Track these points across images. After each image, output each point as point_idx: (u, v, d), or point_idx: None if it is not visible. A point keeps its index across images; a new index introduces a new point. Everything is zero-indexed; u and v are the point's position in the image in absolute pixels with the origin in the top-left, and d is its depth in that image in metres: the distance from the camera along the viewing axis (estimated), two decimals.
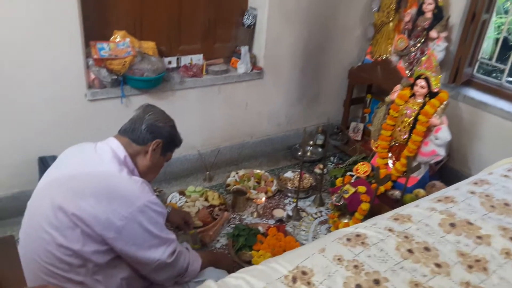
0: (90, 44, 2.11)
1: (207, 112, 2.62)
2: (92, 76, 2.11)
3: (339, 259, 1.09)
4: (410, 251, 1.18)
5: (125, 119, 1.56)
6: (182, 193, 2.42)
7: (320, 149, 3.07)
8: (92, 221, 1.24)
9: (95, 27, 2.14)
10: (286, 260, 1.09)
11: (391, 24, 2.73)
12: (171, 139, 1.57)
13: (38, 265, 1.26)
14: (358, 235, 1.21)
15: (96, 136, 1.97)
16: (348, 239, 1.19)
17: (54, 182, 1.34)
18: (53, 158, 2.06)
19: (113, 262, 1.31)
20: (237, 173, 2.70)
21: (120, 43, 2.16)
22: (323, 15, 2.80)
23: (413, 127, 2.16)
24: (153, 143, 1.49)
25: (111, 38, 2.18)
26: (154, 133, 1.49)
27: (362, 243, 1.18)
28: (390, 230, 1.26)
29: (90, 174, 1.32)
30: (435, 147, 2.16)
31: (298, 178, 2.61)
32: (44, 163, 2.04)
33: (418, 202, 1.51)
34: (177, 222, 1.95)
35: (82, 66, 2.06)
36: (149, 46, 2.29)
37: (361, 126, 3.14)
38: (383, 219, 1.34)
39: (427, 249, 1.20)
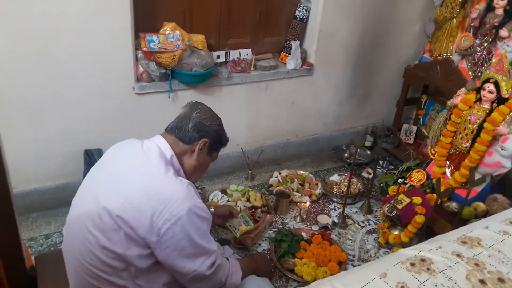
0: (140, 36, 2.07)
1: (253, 108, 2.54)
2: (141, 69, 2.08)
3: (402, 287, 0.98)
4: (482, 281, 1.04)
5: (172, 114, 1.51)
6: (224, 191, 2.36)
7: (368, 152, 2.92)
8: (135, 224, 1.19)
9: (145, 18, 2.10)
10: (344, 283, 0.99)
11: (454, 20, 2.52)
12: (218, 139, 1.50)
13: (81, 265, 1.23)
14: (422, 260, 1.09)
15: (142, 130, 1.95)
16: (412, 264, 1.07)
17: (100, 182, 1.30)
18: (99, 151, 2.07)
19: (154, 266, 1.27)
20: (280, 173, 2.61)
21: (170, 36, 2.12)
22: (381, 9, 2.64)
23: (476, 135, 1.97)
24: (200, 142, 1.43)
25: (161, 30, 2.14)
26: (201, 132, 1.43)
27: (428, 269, 1.05)
28: (458, 255, 1.12)
29: (136, 175, 1.28)
30: (500, 158, 1.96)
31: (344, 183, 2.48)
32: (90, 156, 2.04)
33: (487, 222, 1.35)
34: (223, 214, 2.00)
35: (131, 59, 2.03)
36: (198, 39, 2.23)
37: (414, 128, 2.95)
38: (449, 241, 1.20)
39: (501, 280, 1.06)
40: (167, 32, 2.13)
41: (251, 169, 2.60)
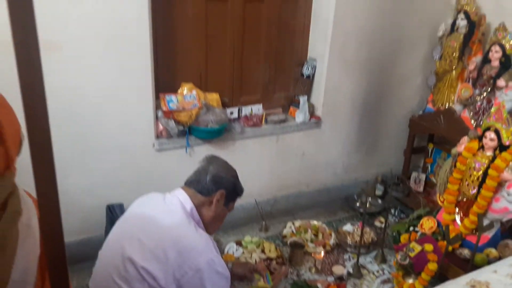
0: (160, 96, 2.24)
1: (265, 160, 2.65)
2: (161, 127, 2.23)
3: None
4: None
5: (189, 168, 1.62)
6: (239, 243, 2.41)
7: (379, 201, 2.97)
8: (158, 275, 1.26)
9: (164, 80, 2.29)
10: None
11: (454, 72, 2.67)
12: (234, 189, 1.60)
13: None
14: None
15: (162, 184, 2.06)
16: None
17: (125, 233, 1.39)
18: (120, 206, 2.17)
19: None
20: (293, 223, 2.65)
21: (187, 96, 2.28)
22: (383, 64, 2.81)
23: (482, 181, 2.03)
24: (217, 193, 1.52)
25: (179, 91, 2.31)
26: (218, 184, 1.53)
27: None
28: None
29: (159, 227, 1.37)
30: (507, 204, 2.00)
31: (358, 232, 2.52)
32: (112, 211, 2.14)
33: (496, 266, 1.39)
34: (243, 273, 1.97)
35: (152, 118, 2.18)
36: (213, 97, 2.40)
37: (422, 176, 3.01)
38: (459, 286, 1.24)
39: None
40: (184, 92, 2.31)
41: (265, 220, 2.66)
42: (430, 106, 2.85)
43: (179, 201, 1.47)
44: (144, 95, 2.13)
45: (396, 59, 2.84)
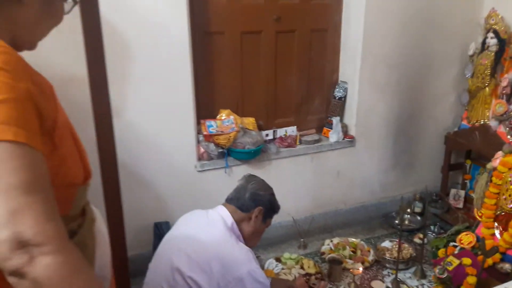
0: (201, 122, 2.43)
1: (301, 179, 2.75)
2: (202, 150, 2.40)
3: None
4: None
5: (228, 187, 1.76)
6: (278, 259, 2.50)
7: (418, 218, 2.96)
8: (204, 285, 1.39)
9: (204, 107, 2.47)
10: None
11: (487, 89, 2.68)
12: (271, 206, 1.72)
13: None
14: None
15: (203, 202, 2.20)
16: None
17: (173, 246, 1.54)
18: (167, 224, 2.33)
19: None
20: (331, 241, 2.71)
21: (225, 120, 2.45)
22: (414, 85, 2.86)
23: None
24: (255, 210, 1.65)
25: (218, 116, 2.49)
26: (256, 201, 1.66)
27: None
28: None
29: (204, 242, 1.50)
30: None
31: (396, 248, 2.53)
32: (159, 228, 2.30)
33: None
34: None
35: (194, 142, 2.36)
36: (249, 121, 2.56)
37: (462, 193, 2.99)
38: None
39: None
40: (223, 118, 2.48)
41: (303, 238, 2.73)
42: (465, 123, 2.86)
43: (221, 217, 1.61)
44: (187, 122, 2.32)
45: (427, 79, 2.89)
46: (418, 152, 3.08)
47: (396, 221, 2.99)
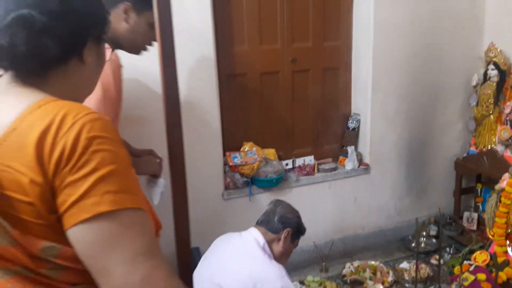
0: (226, 154, 2.65)
1: (320, 206, 2.92)
2: (228, 179, 2.62)
3: None
4: None
5: (253, 213, 1.95)
6: (302, 282, 2.64)
7: (434, 240, 3.09)
8: None
9: (230, 141, 2.71)
10: None
11: (491, 116, 2.88)
12: (298, 228, 1.90)
13: None
14: None
15: (230, 228, 2.36)
16: None
17: (213, 263, 1.72)
18: (197, 249, 2.50)
19: None
20: (352, 264, 2.84)
21: (248, 152, 2.67)
22: (423, 114, 3.07)
23: None
24: (284, 231, 1.83)
25: (242, 148, 2.71)
26: (285, 223, 1.84)
27: None
28: None
29: (240, 259, 1.69)
30: None
31: (414, 268, 2.66)
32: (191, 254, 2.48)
33: None
34: None
35: (221, 172, 2.59)
36: (270, 152, 2.78)
37: (475, 215, 3.12)
38: None
39: None
40: (246, 150, 2.70)
41: (324, 261, 2.87)
42: (473, 148, 3.04)
43: (253, 237, 1.79)
44: (215, 155, 2.56)
45: (435, 109, 3.09)
46: (431, 177, 3.25)
47: (413, 244, 3.11)
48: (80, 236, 0.66)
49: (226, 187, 2.64)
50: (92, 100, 1.31)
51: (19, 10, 0.69)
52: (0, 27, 0.69)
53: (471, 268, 2.26)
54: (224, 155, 2.66)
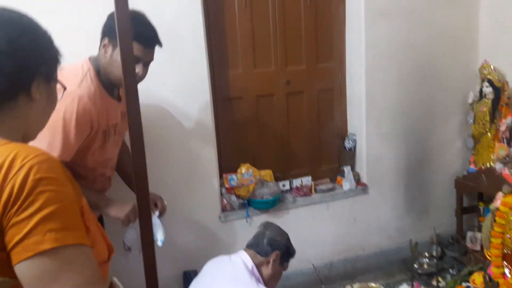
0: (223, 176, 2.69)
1: (319, 226, 2.92)
2: (225, 201, 2.65)
3: None
4: None
5: (249, 235, 1.97)
6: None
7: (436, 261, 3.03)
8: None
9: (226, 163, 2.75)
10: None
11: (489, 134, 2.86)
12: (287, 250, 1.91)
13: None
14: None
15: (228, 250, 2.40)
16: None
17: (204, 285, 1.74)
18: (195, 272, 2.50)
19: None
20: (352, 286, 2.80)
21: (245, 174, 2.70)
22: (420, 133, 3.06)
23: None
24: (273, 254, 1.84)
25: (238, 170, 2.74)
26: (274, 246, 1.86)
27: None
28: None
29: (228, 282, 1.70)
30: None
31: None
32: (188, 276, 2.49)
33: None
34: None
35: (217, 195, 2.62)
36: (266, 173, 2.80)
37: (478, 235, 3.05)
38: None
39: None
40: (242, 171, 2.73)
41: (323, 284, 2.84)
42: (472, 166, 3.01)
43: (242, 261, 1.81)
44: (211, 178, 2.60)
45: (431, 127, 3.09)
46: (431, 196, 3.21)
47: (415, 266, 3.07)
48: (24, 272, 0.71)
49: (223, 209, 2.67)
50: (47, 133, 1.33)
51: None
52: None
53: None
54: (221, 177, 2.69)
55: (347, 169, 2.92)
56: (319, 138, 3.00)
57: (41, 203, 0.71)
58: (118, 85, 1.71)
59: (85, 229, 0.81)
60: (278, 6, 2.71)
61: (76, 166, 1.62)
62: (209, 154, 2.56)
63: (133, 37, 1.67)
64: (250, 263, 1.80)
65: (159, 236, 1.88)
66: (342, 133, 3.07)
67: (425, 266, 3.01)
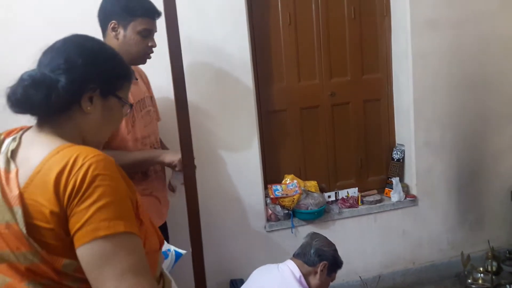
0: (268, 187, 2.73)
1: (366, 238, 2.87)
2: (270, 211, 2.68)
3: None
4: None
5: (294, 245, 1.99)
6: None
7: (492, 276, 2.88)
8: None
9: (270, 174, 2.80)
10: None
11: None
12: (335, 261, 1.91)
13: None
14: None
15: (273, 260, 2.41)
16: None
17: None
18: (241, 281, 2.56)
19: None
20: None
21: (289, 184, 2.73)
22: (472, 143, 2.95)
23: None
24: (320, 264, 1.85)
25: (283, 181, 2.78)
26: (321, 256, 1.86)
27: None
28: None
29: None
30: None
31: None
32: (234, 285, 2.54)
33: None
34: None
35: (262, 205, 2.66)
36: (311, 184, 2.81)
37: None
38: None
39: None
40: (287, 182, 2.76)
41: None
42: None
43: (290, 270, 1.83)
44: (257, 188, 2.64)
45: (485, 136, 2.97)
46: (485, 209, 3.07)
47: (469, 280, 2.93)
48: (83, 255, 0.82)
49: (268, 219, 2.71)
50: None
51: (39, 72, 0.90)
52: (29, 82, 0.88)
53: None
54: (266, 187, 2.74)
55: (395, 181, 2.86)
56: (366, 149, 2.98)
57: (98, 195, 0.82)
58: (133, 63, 1.71)
59: (139, 222, 0.92)
60: (322, 21, 2.74)
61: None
62: (254, 165, 2.62)
63: (144, 14, 1.78)
64: (297, 272, 1.82)
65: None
66: (390, 144, 3.02)
67: (480, 282, 2.86)
